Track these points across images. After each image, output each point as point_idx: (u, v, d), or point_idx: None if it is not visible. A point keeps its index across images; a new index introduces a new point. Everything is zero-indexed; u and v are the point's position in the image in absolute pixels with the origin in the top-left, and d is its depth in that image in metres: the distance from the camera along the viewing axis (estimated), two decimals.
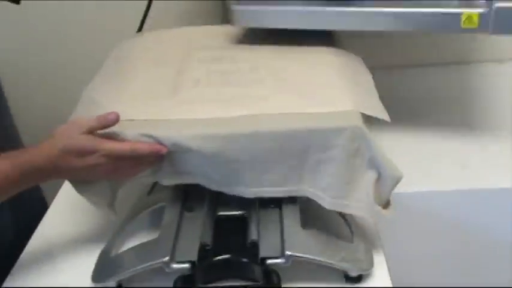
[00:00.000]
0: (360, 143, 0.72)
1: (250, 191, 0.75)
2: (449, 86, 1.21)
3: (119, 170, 0.71)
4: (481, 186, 0.91)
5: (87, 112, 0.77)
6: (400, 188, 0.75)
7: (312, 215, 0.78)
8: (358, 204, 0.73)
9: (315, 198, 0.75)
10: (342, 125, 0.72)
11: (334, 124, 0.72)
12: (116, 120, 0.70)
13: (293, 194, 0.76)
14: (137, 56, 0.95)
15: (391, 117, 0.75)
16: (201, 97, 0.79)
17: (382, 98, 0.80)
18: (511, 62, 1.28)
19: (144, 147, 0.71)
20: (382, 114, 0.76)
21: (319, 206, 0.75)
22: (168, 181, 0.76)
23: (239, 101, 0.78)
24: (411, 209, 0.92)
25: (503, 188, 0.91)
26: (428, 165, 0.96)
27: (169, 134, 0.72)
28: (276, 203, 0.78)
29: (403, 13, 0.79)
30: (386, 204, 0.75)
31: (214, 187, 0.76)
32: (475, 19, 0.69)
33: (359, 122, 0.72)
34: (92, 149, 0.69)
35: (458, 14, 0.72)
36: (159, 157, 0.72)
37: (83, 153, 0.69)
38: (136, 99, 0.80)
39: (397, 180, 0.74)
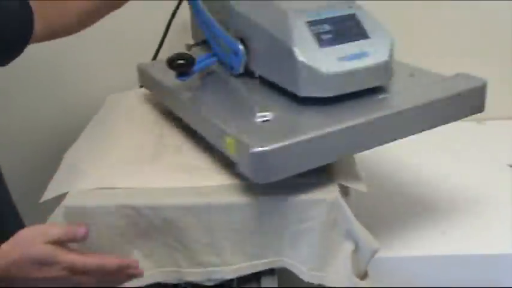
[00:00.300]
0: (336, 214, 0.73)
1: (230, 269, 0.75)
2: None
3: (83, 284, 0.65)
4: (461, 253, 0.91)
5: (68, 179, 0.77)
6: (381, 253, 0.76)
7: (291, 285, 0.78)
8: (336, 276, 0.74)
9: (294, 270, 0.75)
10: (319, 197, 0.72)
11: (310, 196, 0.73)
12: (85, 237, 0.66)
13: (272, 266, 0.76)
14: (121, 118, 0.96)
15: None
16: (180, 165, 0.80)
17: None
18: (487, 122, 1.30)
19: (112, 262, 0.66)
20: (360, 185, 0.77)
21: (298, 277, 0.75)
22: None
23: (220, 169, 0.78)
24: (393, 275, 0.91)
25: (484, 254, 0.91)
26: (409, 229, 0.96)
27: (150, 203, 0.73)
28: (255, 278, 0.78)
29: None
30: (364, 275, 0.75)
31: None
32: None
33: (336, 194, 0.73)
34: (52, 260, 0.63)
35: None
36: (131, 275, 0.68)
37: (42, 263, 0.63)
38: (117, 167, 0.80)
39: (374, 252, 0.74)
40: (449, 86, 0.79)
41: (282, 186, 0.72)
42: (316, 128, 0.69)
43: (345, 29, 0.78)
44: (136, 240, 0.75)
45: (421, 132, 0.77)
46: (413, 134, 0.76)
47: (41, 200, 0.76)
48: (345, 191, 0.76)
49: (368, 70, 0.76)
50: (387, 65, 0.78)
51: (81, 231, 0.66)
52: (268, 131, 0.71)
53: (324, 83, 0.75)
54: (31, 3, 0.82)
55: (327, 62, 0.74)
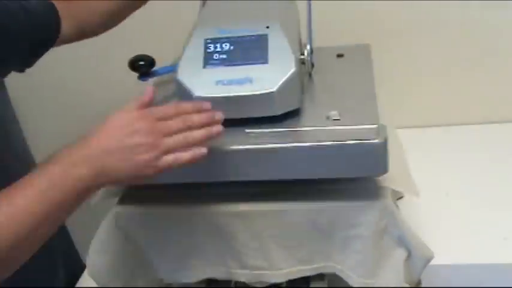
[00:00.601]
0: (388, 220, 0.71)
1: (278, 274, 0.74)
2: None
3: (162, 150, 0.59)
4: None
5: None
6: (437, 260, 0.73)
7: None
8: (386, 284, 0.72)
9: (343, 276, 0.74)
10: (370, 202, 0.71)
11: (361, 201, 0.71)
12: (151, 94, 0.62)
13: (321, 271, 0.75)
14: None
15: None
16: None
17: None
18: None
19: (188, 104, 0.64)
20: (413, 189, 0.74)
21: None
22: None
23: None
24: (448, 283, 0.88)
25: None
26: (466, 235, 0.93)
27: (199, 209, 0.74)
28: (304, 280, 0.77)
29: None
30: (417, 284, 0.73)
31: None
32: None
33: (387, 199, 0.71)
34: (134, 117, 0.59)
35: None
36: (214, 127, 0.63)
37: (128, 123, 0.58)
38: None
39: (428, 260, 0.72)
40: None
41: (333, 191, 0.71)
42: None
43: (245, 51, 0.74)
44: (186, 241, 0.76)
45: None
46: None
47: (92, 202, 0.77)
48: (396, 196, 0.73)
49: (245, 99, 0.71)
50: (272, 96, 0.70)
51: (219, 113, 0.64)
52: None
53: None
54: (58, 3, 0.82)
55: (201, 84, 0.71)
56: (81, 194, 0.56)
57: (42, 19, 0.78)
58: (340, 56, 0.94)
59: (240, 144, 0.69)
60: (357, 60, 0.92)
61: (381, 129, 0.68)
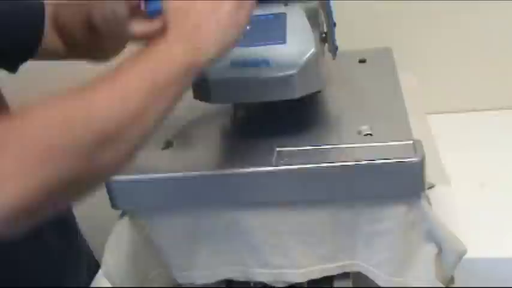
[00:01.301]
0: (416, 213, 0.66)
1: (299, 273, 0.71)
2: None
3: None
4: None
5: None
6: (471, 254, 0.68)
7: None
8: (417, 282, 0.68)
9: (369, 275, 0.70)
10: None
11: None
12: None
13: (345, 270, 0.71)
14: None
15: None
16: None
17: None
18: None
19: None
20: (444, 180, 0.69)
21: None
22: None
23: None
24: (487, 278, 0.83)
25: None
26: (504, 228, 0.87)
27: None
28: (327, 279, 0.73)
29: None
30: (449, 281, 0.68)
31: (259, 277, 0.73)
32: None
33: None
34: None
35: None
36: None
37: None
38: None
39: (461, 255, 0.67)
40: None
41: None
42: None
43: (262, 31, 0.68)
44: (202, 239, 0.73)
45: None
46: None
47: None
48: (427, 186, 0.68)
49: (261, 81, 0.66)
50: (291, 79, 0.66)
51: None
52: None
53: (209, 88, 0.67)
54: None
55: (216, 65, 0.66)
56: (182, 76, 0.50)
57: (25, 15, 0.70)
58: (362, 61, 0.91)
59: (272, 165, 0.66)
60: (380, 66, 0.89)
61: (417, 146, 0.65)
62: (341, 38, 0.79)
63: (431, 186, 0.76)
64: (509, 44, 1.16)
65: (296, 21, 0.69)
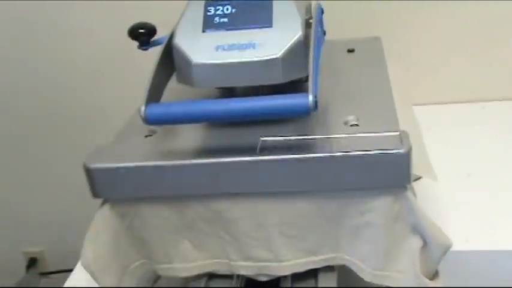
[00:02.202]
0: (401, 206, 0.65)
1: (283, 266, 0.69)
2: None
3: None
4: None
5: None
6: (457, 246, 0.67)
7: (351, 283, 0.71)
8: (401, 275, 0.66)
9: (353, 268, 0.69)
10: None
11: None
12: None
13: (330, 263, 0.70)
14: None
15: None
16: None
17: None
18: None
19: None
20: (431, 174, 0.68)
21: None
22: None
23: None
24: (472, 271, 0.82)
25: None
26: (492, 219, 0.86)
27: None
28: (312, 272, 0.72)
29: None
30: (434, 276, 0.67)
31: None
32: None
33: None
34: None
35: None
36: None
37: None
38: None
39: (446, 249, 0.66)
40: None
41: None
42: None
43: (247, 14, 0.68)
44: (185, 231, 0.71)
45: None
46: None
47: None
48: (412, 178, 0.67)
49: (247, 65, 0.65)
50: (276, 62, 0.65)
51: None
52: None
53: (193, 72, 0.67)
54: None
55: (200, 49, 0.66)
56: None
57: None
58: (351, 51, 0.89)
59: (255, 155, 0.65)
60: (369, 56, 0.88)
61: (404, 137, 0.63)
62: (329, 27, 0.78)
63: (417, 178, 0.75)
64: (498, 35, 1.15)
65: (283, 4, 0.68)
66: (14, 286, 1.54)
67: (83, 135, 1.39)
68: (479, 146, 1.04)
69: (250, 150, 0.66)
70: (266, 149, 0.66)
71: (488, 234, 0.84)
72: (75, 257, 0.82)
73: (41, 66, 1.38)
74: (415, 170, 0.67)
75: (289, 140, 0.67)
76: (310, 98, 0.61)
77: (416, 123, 0.86)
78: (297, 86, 0.70)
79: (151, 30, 0.79)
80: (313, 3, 0.76)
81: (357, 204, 0.66)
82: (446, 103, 1.20)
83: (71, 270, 0.95)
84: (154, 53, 0.77)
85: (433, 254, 0.66)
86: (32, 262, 1.59)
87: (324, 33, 0.77)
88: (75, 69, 1.36)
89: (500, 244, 0.82)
